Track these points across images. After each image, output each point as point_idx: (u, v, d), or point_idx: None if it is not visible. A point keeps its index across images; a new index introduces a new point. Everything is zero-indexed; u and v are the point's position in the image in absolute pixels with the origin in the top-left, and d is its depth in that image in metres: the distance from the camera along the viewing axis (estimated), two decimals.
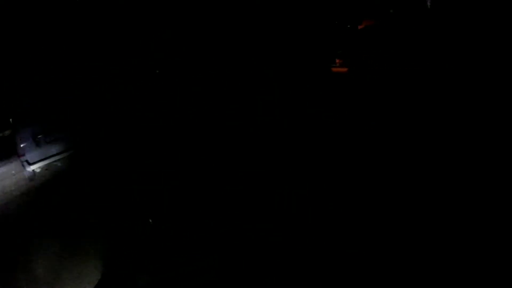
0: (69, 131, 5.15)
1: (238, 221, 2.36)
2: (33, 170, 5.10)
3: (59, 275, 2.34)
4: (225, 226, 2.32)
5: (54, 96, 5.53)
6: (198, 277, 1.86)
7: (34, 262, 2.62)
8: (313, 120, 5.22)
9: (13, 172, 6.16)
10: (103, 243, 2.62)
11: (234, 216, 2.43)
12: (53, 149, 5.06)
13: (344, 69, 4.91)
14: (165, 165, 3.53)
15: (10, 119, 5.15)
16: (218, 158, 3.59)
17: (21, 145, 4.90)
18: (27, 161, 4.90)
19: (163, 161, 3.65)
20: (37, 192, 4.75)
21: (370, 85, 6.27)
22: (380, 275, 1.61)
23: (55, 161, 5.21)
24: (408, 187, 2.40)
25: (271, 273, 1.78)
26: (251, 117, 5.85)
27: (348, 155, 3.50)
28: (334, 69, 5.12)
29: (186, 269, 1.94)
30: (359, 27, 5.35)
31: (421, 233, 1.79)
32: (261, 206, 2.51)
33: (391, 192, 2.35)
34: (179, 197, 3.06)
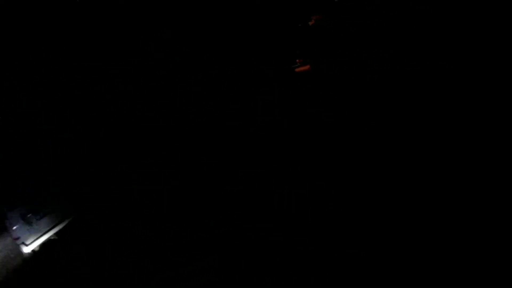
0: (57, 202, 5.12)
1: (238, 221, 2.36)
2: (32, 251, 5.05)
3: None
4: (225, 226, 2.32)
5: (36, 170, 5.53)
6: (198, 277, 1.86)
7: None
8: (313, 120, 5.21)
9: (11, 254, 6.19)
10: None
11: (234, 216, 2.43)
12: (46, 225, 5.05)
13: (306, 67, 4.96)
14: (165, 165, 3.53)
15: None
16: (218, 158, 3.59)
17: (13, 228, 4.84)
18: (23, 243, 4.89)
19: (163, 161, 3.65)
20: (37, 271, 4.77)
21: (365, 84, 6.26)
22: (380, 275, 1.61)
23: (51, 236, 5.17)
24: (408, 187, 2.40)
25: (271, 273, 1.78)
26: (251, 117, 5.84)
27: (348, 155, 3.49)
28: (297, 69, 5.18)
29: (186, 269, 1.94)
30: (310, 23, 5.41)
31: (421, 233, 1.79)
32: (261, 206, 2.51)
33: (391, 192, 2.35)
34: (179, 197, 3.06)
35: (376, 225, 1.99)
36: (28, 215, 4.93)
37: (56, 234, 5.34)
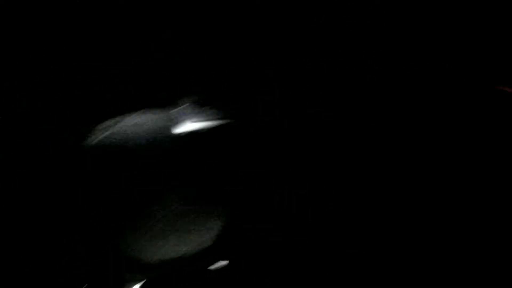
0: (225, 101, 5.05)
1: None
2: (183, 132, 5.12)
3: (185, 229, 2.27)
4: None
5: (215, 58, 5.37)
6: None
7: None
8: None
9: (163, 127, 6.22)
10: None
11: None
12: (206, 115, 5.05)
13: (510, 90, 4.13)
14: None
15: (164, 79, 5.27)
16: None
17: (175, 109, 4.97)
18: (177, 124, 4.97)
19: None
20: (180, 151, 4.92)
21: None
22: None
23: (206, 126, 5.13)
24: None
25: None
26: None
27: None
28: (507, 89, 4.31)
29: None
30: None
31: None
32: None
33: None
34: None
35: (376, 225, 1.99)
36: (193, 101, 5.03)
37: (213, 127, 5.27)
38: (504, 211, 1.80)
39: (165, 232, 2.30)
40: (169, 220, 2.50)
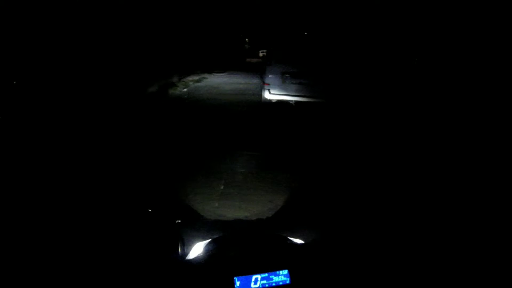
0: (315, 82, 5.70)
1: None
2: (269, 99, 5.90)
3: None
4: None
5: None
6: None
7: None
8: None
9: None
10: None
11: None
12: (295, 91, 5.73)
13: None
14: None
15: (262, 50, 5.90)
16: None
17: (269, 76, 5.63)
18: (269, 90, 5.76)
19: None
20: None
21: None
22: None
23: (290, 100, 5.95)
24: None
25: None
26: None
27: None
28: None
29: (242, 233, 1.94)
30: None
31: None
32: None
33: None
34: (249, 160, 3.20)
35: (376, 225, 1.99)
36: (286, 74, 5.55)
37: (296, 103, 5.98)
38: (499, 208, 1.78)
39: (228, 194, 2.40)
40: (234, 184, 2.62)
